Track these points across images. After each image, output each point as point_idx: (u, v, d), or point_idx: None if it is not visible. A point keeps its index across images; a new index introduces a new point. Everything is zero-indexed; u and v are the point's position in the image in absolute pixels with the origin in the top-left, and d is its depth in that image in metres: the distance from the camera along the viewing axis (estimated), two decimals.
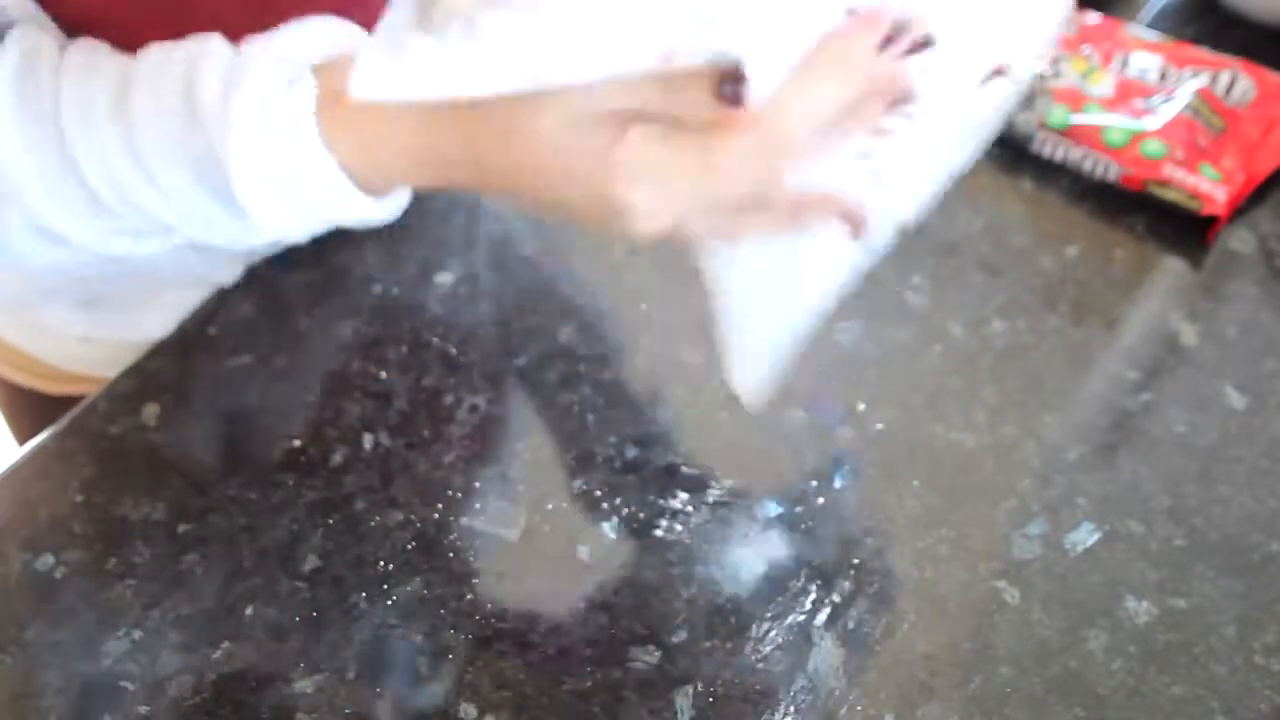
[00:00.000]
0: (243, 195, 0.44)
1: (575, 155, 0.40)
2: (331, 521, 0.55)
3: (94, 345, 0.67)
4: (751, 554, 0.53)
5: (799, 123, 0.39)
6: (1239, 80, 0.70)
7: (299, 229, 0.46)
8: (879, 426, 0.58)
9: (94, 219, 0.47)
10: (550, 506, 0.55)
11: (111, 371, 0.61)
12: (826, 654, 0.50)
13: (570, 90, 0.39)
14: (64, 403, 0.60)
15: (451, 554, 0.54)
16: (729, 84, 0.38)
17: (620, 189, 0.40)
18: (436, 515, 0.55)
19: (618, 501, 0.55)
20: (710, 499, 0.55)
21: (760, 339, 0.48)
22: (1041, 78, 0.70)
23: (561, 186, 0.41)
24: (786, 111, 0.39)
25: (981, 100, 0.43)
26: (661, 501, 0.55)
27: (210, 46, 0.45)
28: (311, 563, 0.53)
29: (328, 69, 0.43)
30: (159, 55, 0.45)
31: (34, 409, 0.70)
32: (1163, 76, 0.71)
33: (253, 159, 0.43)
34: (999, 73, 0.42)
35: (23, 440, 0.63)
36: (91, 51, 0.47)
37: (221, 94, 0.43)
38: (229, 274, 0.64)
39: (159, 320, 0.63)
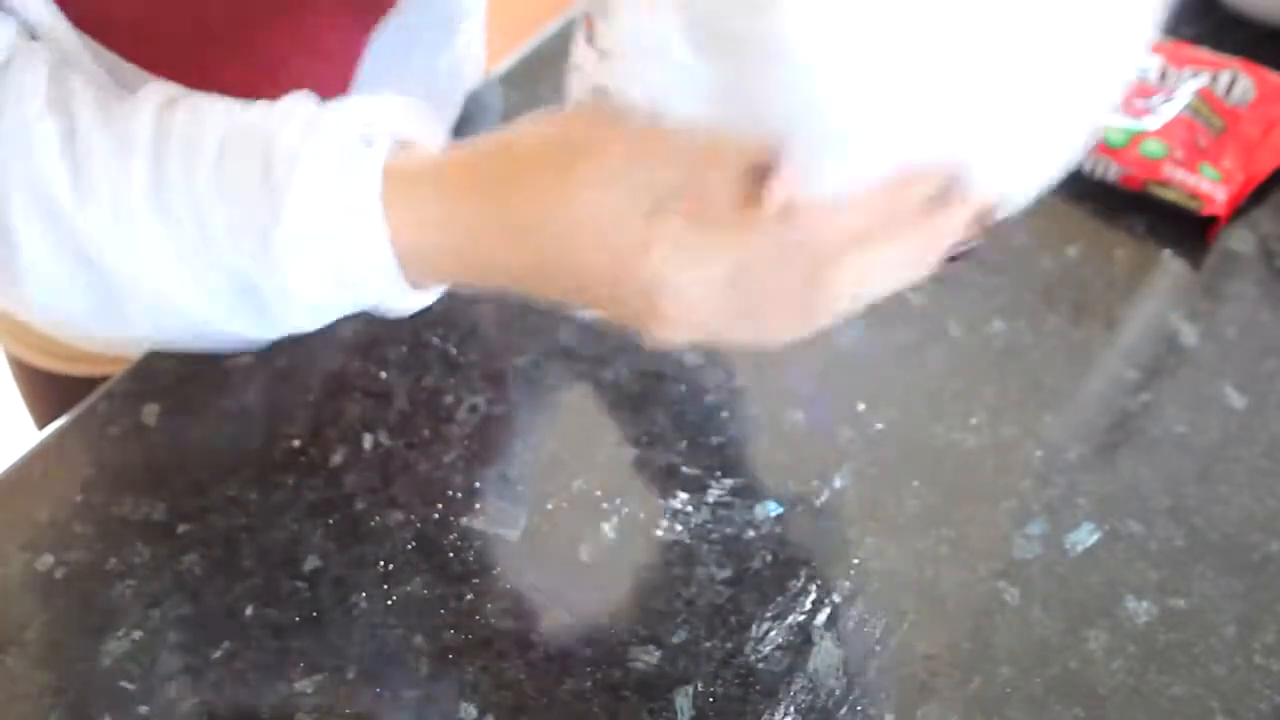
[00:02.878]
0: (282, 244, 0.43)
1: (612, 247, 0.39)
2: (331, 521, 0.55)
3: None
4: (751, 554, 0.53)
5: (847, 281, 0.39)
6: (1239, 80, 0.70)
7: (320, 297, 0.45)
8: (879, 426, 0.58)
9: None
10: (550, 506, 0.55)
11: (128, 350, 0.61)
12: (826, 654, 0.50)
13: (610, 175, 0.39)
14: (81, 383, 0.60)
15: (451, 554, 0.54)
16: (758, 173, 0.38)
17: (655, 300, 0.39)
18: (436, 515, 0.55)
19: (618, 501, 0.55)
20: (710, 499, 0.55)
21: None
22: None
23: (594, 282, 0.41)
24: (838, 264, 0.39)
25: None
26: (661, 501, 0.55)
27: (292, 108, 0.44)
28: (311, 563, 0.53)
29: (399, 145, 0.43)
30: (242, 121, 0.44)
31: (51, 390, 0.70)
32: (1163, 76, 0.71)
33: (309, 208, 0.42)
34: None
35: (41, 422, 0.63)
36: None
37: (300, 139, 0.42)
38: None
39: None
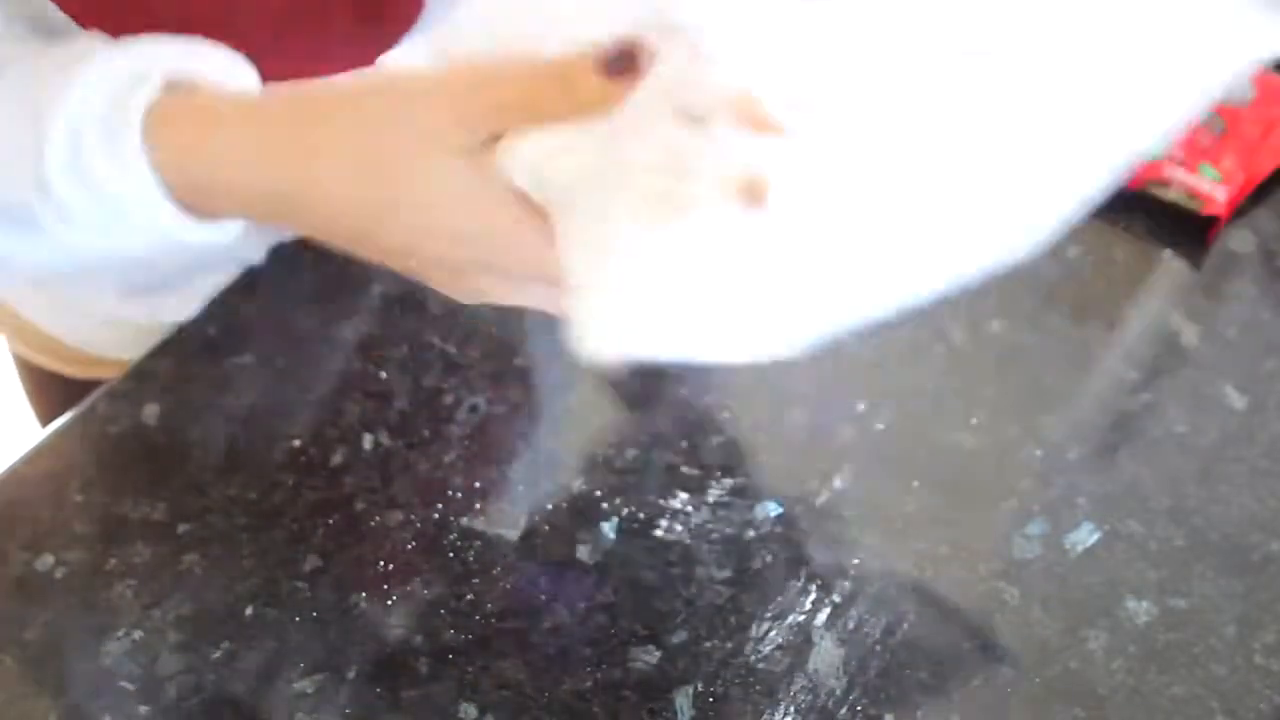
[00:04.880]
0: (52, 170, 0.41)
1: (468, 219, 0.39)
2: (331, 521, 0.55)
3: (124, 327, 0.68)
4: (751, 554, 0.53)
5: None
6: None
7: (109, 234, 0.44)
8: (879, 426, 0.58)
9: None
10: (550, 506, 0.55)
11: (138, 355, 0.61)
12: (826, 654, 0.50)
13: (450, 127, 0.39)
14: (89, 387, 0.60)
15: (451, 554, 0.54)
16: (619, 62, 0.37)
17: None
18: (436, 515, 0.55)
19: (618, 501, 0.55)
20: (710, 499, 0.55)
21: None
22: None
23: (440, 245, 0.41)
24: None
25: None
26: (661, 501, 0.55)
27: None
28: (311, 563, 0.53)
29: (183, 86, 0.42)
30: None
31: (58, 393, 0.70)
32: None
33: (69, 134, 0.40)
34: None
35: (45, 423, 0.63)
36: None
37: (62, 73, 0.41)
38: (257, 253, 0.64)
39: (191, 301, 0.63)
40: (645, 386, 0.60)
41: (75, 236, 0.44)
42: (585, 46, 0.38)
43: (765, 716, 0.49)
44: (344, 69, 0.58)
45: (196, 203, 0.42)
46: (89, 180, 0.41)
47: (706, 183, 0.37)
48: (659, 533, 0.54)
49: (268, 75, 0.55)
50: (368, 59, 0.59)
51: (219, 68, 0.43)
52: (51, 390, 0.73)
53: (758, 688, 0.49)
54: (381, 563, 0.53)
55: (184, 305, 0.63)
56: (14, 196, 0.43)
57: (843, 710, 0.49)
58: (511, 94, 0.38)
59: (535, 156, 0.39)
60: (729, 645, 0.51)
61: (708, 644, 0.51)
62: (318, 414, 0.59)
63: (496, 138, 0.39)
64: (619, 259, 0.38)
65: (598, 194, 0.38)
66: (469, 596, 0.52)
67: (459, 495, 0.56)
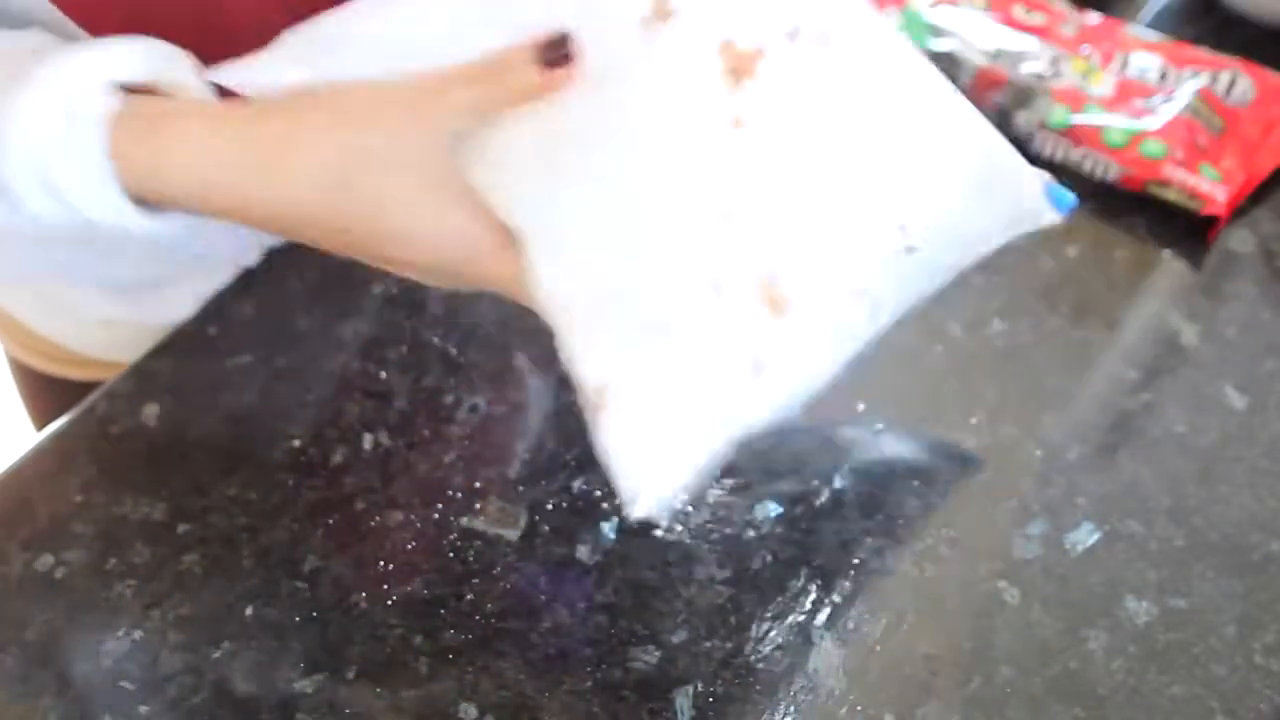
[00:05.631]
0: (12, 174, 0.42)
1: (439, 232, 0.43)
2: (331, 521, 0.55)
3: (117, 329, 0.68)
4: (751, 554, 0.53)
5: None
6: (1239, 80, 0.70)
7: (61, 221, 0.44)
8: (879, 426, 0.58)
9: None
10: (550, 506, 0.55)
11: (132, 356, 0.61)
12: (826, 654, 0.50)
13: (407, 137, 0.41)
14: (84, 389, 0.61)
15: (451, 554, 0.54)
16: (550, 50, 0.40)
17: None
18: (436, 515, 0.55)
19: (618, 501, 0.55)
20: (710, 499, 0.55)
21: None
22: (1041, 78, 0.70)
23: (413, 250, 0.43)
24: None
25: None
26: None
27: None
28: (311, 563, 0.53)
29: (144, 91, 0.43)
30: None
31: (53, 395, 0.70)
32: (1163, 76, 0.71)
33: (29, 142, 0.41)
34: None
35: (41, 425, 0.63)
36: None
37: (19, 76, 0.42)
38: (252, 255, 0.64)
39: (183, 302, 0.63)
40: None
41: (25, 227, 0.45)
42: (520, 40, 0.41)
43: (765, 716, 0.49)
44: None
45: (154, 201, 0.43)
46: (49, 185, 0.42)
47: (728, 354, 0.43)
48: (659, 533, 0.54)
49: None
50: None
51: (171, 68, 0.44)
52: (47, 393, 0.73)
53: (758, 688, 0.49)
54: (381, 563, 0.53)
55: (180, 306, 0.63)
56: None
57: (843, 710, 0.49)
58: (460, 97, 0.41)
59: (490, 163, 0.42)
60: (729, 645, 0.51)
61: (708, 644, 0.51)
62: (318, 414, 0.59)
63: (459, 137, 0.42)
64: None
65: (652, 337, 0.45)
66: (469, 596, 0.52)
67: (459, 495, 0.56)
